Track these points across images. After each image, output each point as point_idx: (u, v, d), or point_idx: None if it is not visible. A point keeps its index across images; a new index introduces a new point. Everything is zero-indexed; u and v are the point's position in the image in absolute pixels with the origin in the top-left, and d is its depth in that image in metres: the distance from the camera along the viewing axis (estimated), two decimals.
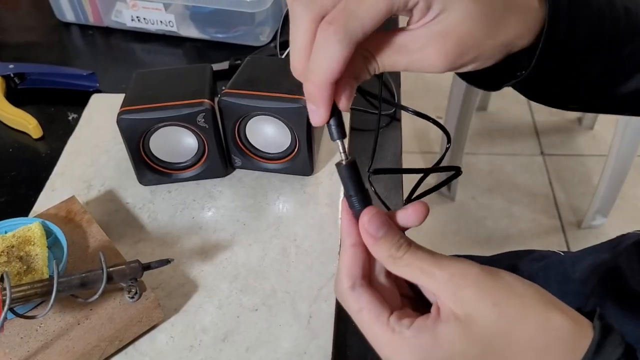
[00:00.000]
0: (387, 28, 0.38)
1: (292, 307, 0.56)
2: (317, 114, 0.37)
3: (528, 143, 2.10)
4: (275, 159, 0.68)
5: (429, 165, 2.01)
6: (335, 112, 0.38)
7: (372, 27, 0.35)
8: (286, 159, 0.68)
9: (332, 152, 0.71)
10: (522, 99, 2.41)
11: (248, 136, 0.67)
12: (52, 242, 0.57)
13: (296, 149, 0.66)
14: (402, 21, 0.41)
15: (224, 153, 0.68)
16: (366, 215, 0.37)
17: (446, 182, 0.61)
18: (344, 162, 0.39)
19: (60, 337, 0.51)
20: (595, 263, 0.80)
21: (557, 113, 2.20)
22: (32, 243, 0.55)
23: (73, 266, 0.56)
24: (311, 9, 0.35)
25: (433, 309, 0.36)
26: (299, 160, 0.67)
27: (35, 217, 0.60)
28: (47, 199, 0.67)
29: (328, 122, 0.38)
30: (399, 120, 0.78)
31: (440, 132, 0.76)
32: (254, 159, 0.68)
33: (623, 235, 0.83)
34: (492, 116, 2.20)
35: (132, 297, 0.53)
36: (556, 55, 0.42)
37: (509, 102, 2.22)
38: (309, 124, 0.63)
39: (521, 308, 0.34)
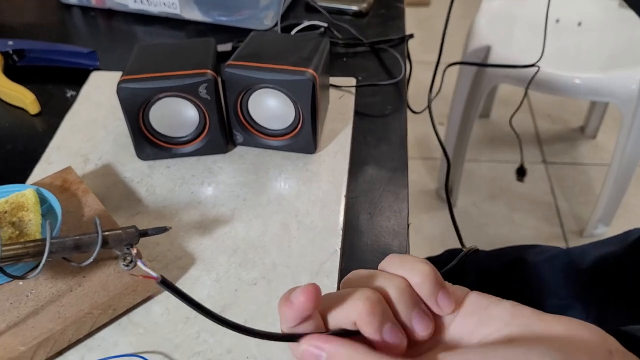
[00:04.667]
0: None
1: (292, 281, 0.54)
2: None
3: (530, 151, 2.09)
4: (278, 135, 0.66)
5: (430, 171, 2.00)
6: None
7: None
8: (289, 135, 0.66)
9: (336, 132, 0.69)
10: (525, 106, 2.37)
11: (250, 111, 0.65)
12: (47, 210, 0.55)
13: (300, 125, 0.65)
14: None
15: (225, 127, 0.66)
16: None
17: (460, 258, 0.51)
18: None
19: (52, 303, 0.48)
20: (603, 255, 0.79)
21: (560, 121, 2.20)
22: (26, 209, 0.53)
23: (67, 234, 0.54)
24: None
25: None
26: (302, 137, 0.65)
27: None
28: (43, 171, 0.65)
29: None
30: (404, 97, 0.76)
31: (441, 138, 0.75)
32: (256, 135, 0.67)
33: (629, 231, 0.82)
34: (495, 124, 2.19)
35: (127, 265, 0.50)
36: None
37: (511, 110, 2.21)
38: (313, 99, 0.61)
39: None
